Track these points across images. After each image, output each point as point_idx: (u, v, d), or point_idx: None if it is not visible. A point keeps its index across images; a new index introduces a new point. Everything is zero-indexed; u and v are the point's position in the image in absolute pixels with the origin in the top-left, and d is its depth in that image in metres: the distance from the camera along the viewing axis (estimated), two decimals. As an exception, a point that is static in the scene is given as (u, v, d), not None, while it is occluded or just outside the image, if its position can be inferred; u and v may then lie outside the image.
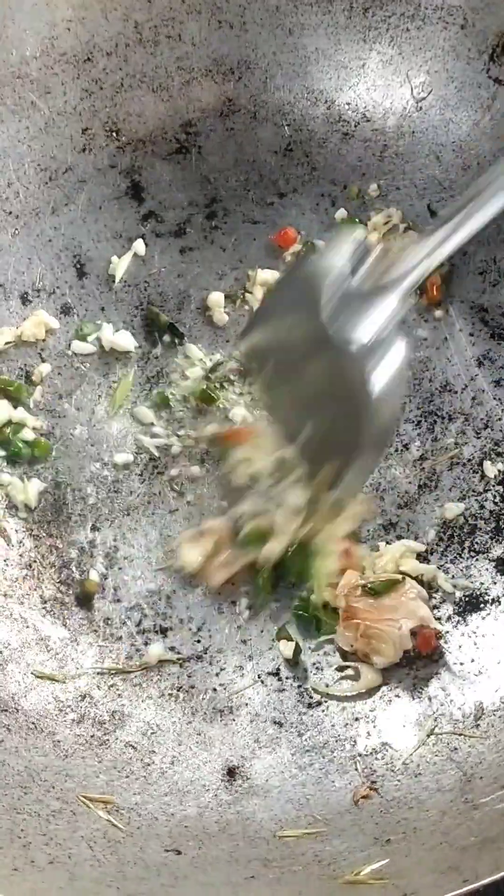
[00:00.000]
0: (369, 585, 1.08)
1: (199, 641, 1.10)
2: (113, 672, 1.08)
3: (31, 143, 1.22)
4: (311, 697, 1.07)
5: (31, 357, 1.20)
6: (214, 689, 1.08)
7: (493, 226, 1.21)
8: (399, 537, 1.12)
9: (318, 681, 1.08)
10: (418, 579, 1.10)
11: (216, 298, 1.21)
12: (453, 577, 1.11)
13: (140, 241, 1.23)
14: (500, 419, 1.17)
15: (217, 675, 1.08)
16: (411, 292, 1.05)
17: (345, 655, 1.08)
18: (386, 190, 1.25)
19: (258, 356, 1.11)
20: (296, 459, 1.09)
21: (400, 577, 1.09)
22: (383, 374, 1.02)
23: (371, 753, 1.04)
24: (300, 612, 1.10)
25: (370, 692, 1.06)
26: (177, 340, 1.20)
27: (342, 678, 1.07)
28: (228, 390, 1.18)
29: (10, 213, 1.22)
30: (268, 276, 1.22)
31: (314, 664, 1.09)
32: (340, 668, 1.08)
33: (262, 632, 1.10)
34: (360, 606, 1.07)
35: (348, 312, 1.03)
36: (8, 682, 1.07)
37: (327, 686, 1.07)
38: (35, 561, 1.13)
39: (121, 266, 1.21)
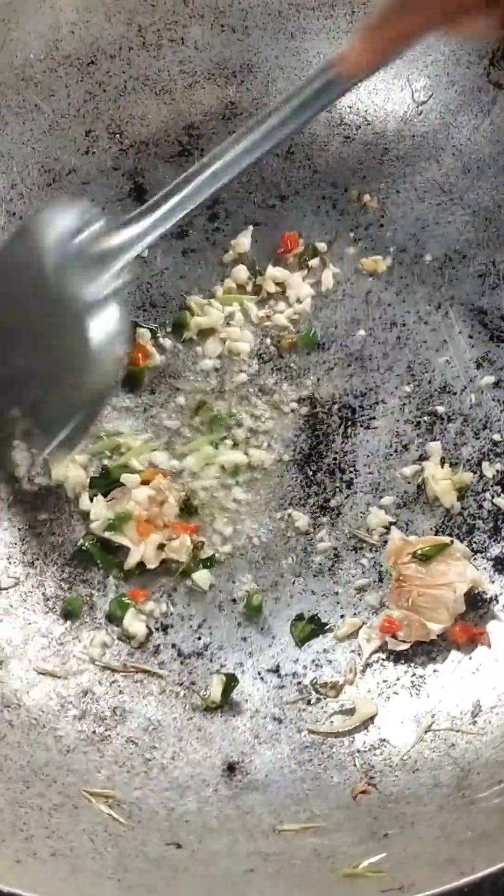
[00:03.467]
0: (419, 552, 1.09)
1: (199, 638, 1.11)
2: (114, 669, 1.09)
3: (35, 145, 1.23)
4: (310, 694, 1.08)
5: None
6: (215, 686, 1.09)
7: (492, 228, 1.22)
8: (399, 537, 1.13)
9: (317, 679, 1.08)
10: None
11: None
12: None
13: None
14: (498, 420, 1.17)
15: (217, 671, 1.09)
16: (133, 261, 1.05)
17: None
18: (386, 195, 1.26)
19: None
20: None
21: (448, 539, 1.10)
22: (103, 330, 1.03)
23: (369, 749, 1.04)
24: None
25: (365, 724, 1.06)
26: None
27: (336, 713, 1.07)
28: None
29: (14, 214, 1.23)
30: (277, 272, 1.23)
31: (313, 661, 1.09)
32: (335, 697, 1.08)
33: (261, 629, 1.11)
34: (410, 573, 1.08)
35: (75, 269, 1.04)
36: (10, 678, 1.08)
37: (324, 723, 1.07)
38: (38, 558, 1.14)
39: None
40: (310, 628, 1.10)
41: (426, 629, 1.08)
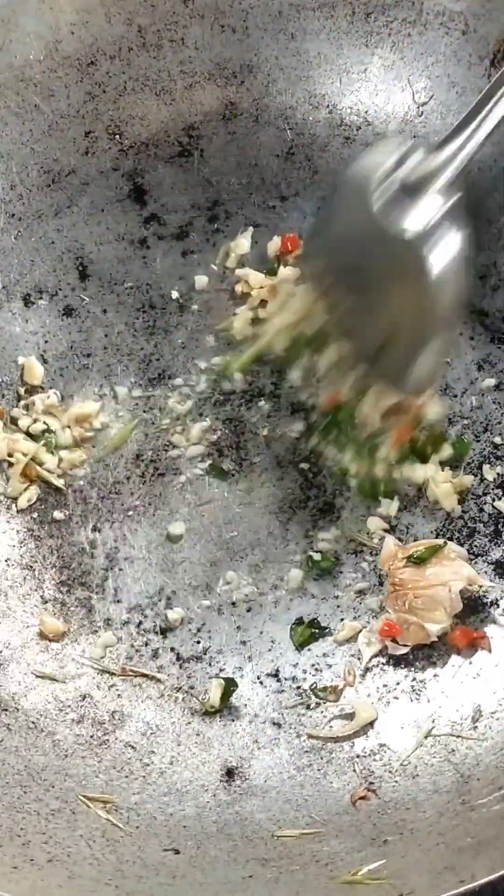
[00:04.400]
0: (413, 555, 1.09)
1: (198, 642, 1.10)
2: (113, 672, 1.09)
3: (35, 146, 1.23)
4: (309, 699, 1.08)
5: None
6: (214, 690, 1.08)
7: (493, 230, 1.22)
8: (399, 539, 1.13)
9: (317, 683, 1.08)
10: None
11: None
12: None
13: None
14: (499, 423, 1.17)
15: (216, 675, 1.09)
16: (456, 179, 1.06)
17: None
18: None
19: (319, 264, 1.13)
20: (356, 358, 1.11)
21: (441, 541, 1.10)
22: (441, 259, 1.04)
23: (369, 755, 1.04)
24: (319, 562, 1.12)
25: (364, 729, 1.06)
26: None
27: (336, 718, 1.07)
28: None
29: (13, 215, 1.22)
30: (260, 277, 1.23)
31: (313, 665, 1.09)
32: (334, 703, 1.08)
33: (261, 633, 1.10)
34: (405, 577, 1.08)
35: (398, 203, 1.05)
36: (8, 681, 1.07)
37: (323, 727, 1.07)
38: (36, 561, 1.14)
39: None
40: (309, 632, 1.10)
41: (425, 631, 1.07)
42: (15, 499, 1.15)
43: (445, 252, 1.05)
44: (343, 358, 1.12)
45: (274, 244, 1.24)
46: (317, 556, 1.12)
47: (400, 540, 1.13)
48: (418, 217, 1.05)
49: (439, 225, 1.05)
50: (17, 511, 1.15)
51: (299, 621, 1.10)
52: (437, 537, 1.12)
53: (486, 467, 1.15)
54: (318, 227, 1.17)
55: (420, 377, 1.09)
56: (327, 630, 1.10)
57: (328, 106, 1.26)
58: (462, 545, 1.12)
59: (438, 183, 1.05)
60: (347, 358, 1.12)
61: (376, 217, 1.05)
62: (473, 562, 1.11)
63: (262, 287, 1.22)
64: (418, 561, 1.09)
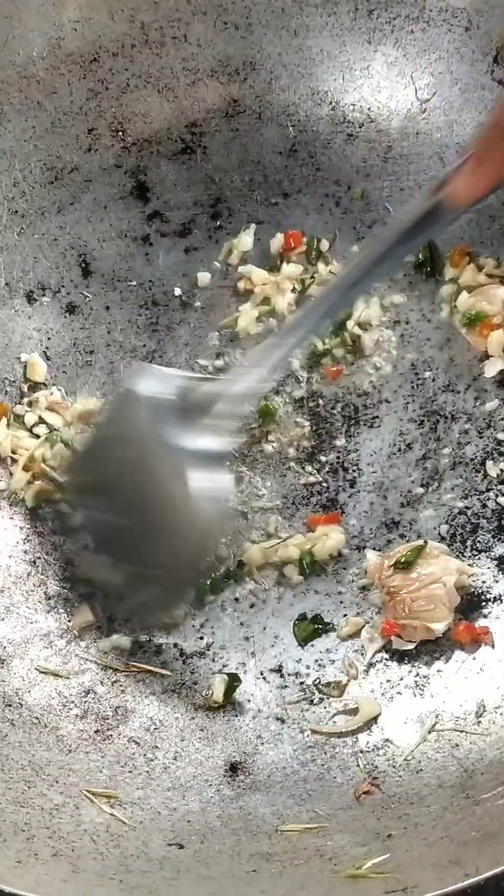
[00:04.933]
0: (399, 561, 1.09)
1: (201, 638, 1.10)
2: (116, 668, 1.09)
3: (37, 143, 1.23)
4: (313, 694, 1.07)
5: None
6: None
7: (496, 226, 1.22)
8: (402, 536, 1.13)
9: (320, 679, 1.08)
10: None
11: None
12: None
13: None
14: (502, 419, 1.17)
15: (220, 671, 1.09)
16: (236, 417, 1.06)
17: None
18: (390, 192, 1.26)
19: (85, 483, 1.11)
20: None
21: (421, 541, 1.10)
22: (203, 488, 1.03)
23: (373, 750, 1.04)
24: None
25: (368, 724, 1.06)
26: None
27: (340, 713, 1.07)
28: None
29: (16, 212, 1.22)
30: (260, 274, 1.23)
31: (316, 661, 1.09)
32: (338, 700, 1.08)
33: (264, 629, 1.10)
34: (397, 584, 1.08)
35: (175, 420, 1.04)
36: (12, 677, 1.07)
37: (326, 723, 1.06)
38: (39, 557, 1.14)
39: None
40: (312, 628, 1.10)
41: (430, 630, 1.07)
42: (22, 497, 1.15)
43: (209, 481, 1.04)
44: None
45: (277, 241, 1.24)
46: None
47: (402, 536, 1.13)
48: (191, 439, 1.04)
49: (208, 454, 1.04)
50: (24, 508, 1.15)
51: (302, 617, 1.10)
52: (440, 533, 1.12)
53: (489, 463, 1.15)
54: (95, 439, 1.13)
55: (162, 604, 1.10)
56: (330, 626, 1.10)
57: (331, 103, 1.27)
58: (465, 541, 1.12)
59: (217, 412, 1.04)
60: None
61: (151, 435, 1.04)
62: (477, 557, 1.11)
63: (265, 284, 1.22)
64: (405, 565, 1.09)
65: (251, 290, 1.23)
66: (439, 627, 1.07)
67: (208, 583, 1.11)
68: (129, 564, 1.07)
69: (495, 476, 1.15)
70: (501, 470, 1.15)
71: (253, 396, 1.08)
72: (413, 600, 1.08)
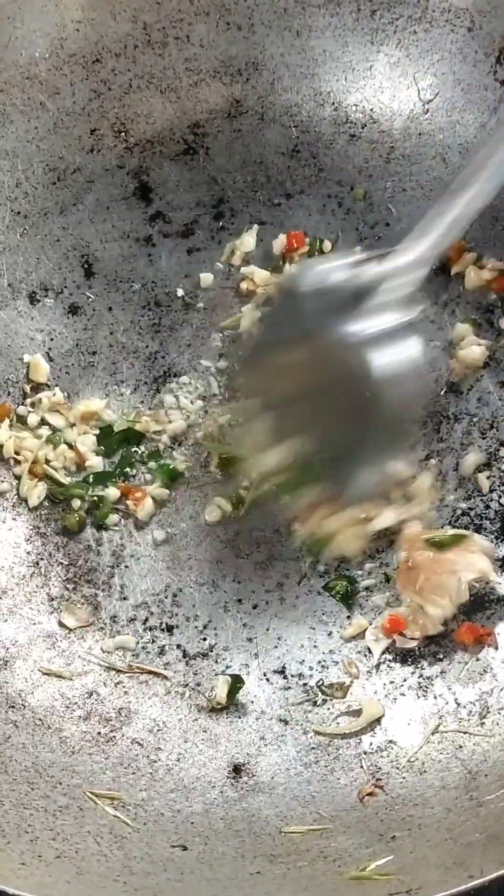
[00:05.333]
0: (435, 539, 1.09)
1: (205, 639, 1.10)
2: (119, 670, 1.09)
3: (40, 144, 1.23)
4: (316, 696, 1.08)
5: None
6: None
7: (499, 226, 1.22)
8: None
9: (323, 680, 1.08)
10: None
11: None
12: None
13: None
14: (505, 420, 1.17)
15: (223, 672, 1.09)
16: (412, 284, 1.02)
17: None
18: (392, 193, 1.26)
19: (256, 368, 1.10)
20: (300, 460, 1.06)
21: (467, 532, 1.10)
22: (390, 367, 1.00)
23: (376, 751, 1.04)
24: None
25: (372, 725, 1.06)
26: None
27: (343, 714, 1.07)
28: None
29: (19, 212, 1.22)
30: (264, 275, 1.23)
31: (319, 662, 1.09)
32: (341, 703, 1.08)
33: (267, 630, 1.10)
34: (421, 560, 1.08)
35: (345, 308, 1.01)
36: (15, 678, 1.07)
37: (330, 724, 1.06)
38: (42, 559, 1.14)
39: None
40: (345, 585, 1.10)
41: (427, 616, 1.07)
42: (25, 498, 1.15)
43: (396, 360, 1.00)
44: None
45: (279, 242, 1.24)
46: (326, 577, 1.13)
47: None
48: (367, 322, 1.00)
49: (391, 331, 1.00)
50: (29, 509, 1.15)
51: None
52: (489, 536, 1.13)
53: (493, 463, 1.15)
54: (262, 338, 1.12)
55: (361, 489, 1.06)
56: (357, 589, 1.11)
57: (333, 103, 1.26)
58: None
59: (386, 289, 1.01)
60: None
61: (321, 322, 1.01)
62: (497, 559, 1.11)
63: (267, 285, 1.22)
64: (439, 545, 1.09)
65: (254, 290, 1.23)
66: (436, 613, 1.07)
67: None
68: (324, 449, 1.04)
69: (498, 477, 1.15)
70: (493, 481, 1.15)
71: (424, 264, 1.02)
72: (426, 579, 1.07)
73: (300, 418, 1.05)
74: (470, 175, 1.02)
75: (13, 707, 1.05)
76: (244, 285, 1.23)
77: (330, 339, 1.01)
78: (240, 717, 1.07)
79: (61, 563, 1.13)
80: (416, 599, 1.07)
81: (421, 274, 1.01)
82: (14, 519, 1.15)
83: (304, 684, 1.08)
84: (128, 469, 1.16)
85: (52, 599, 1.12)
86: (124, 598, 1.12)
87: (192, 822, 1.00)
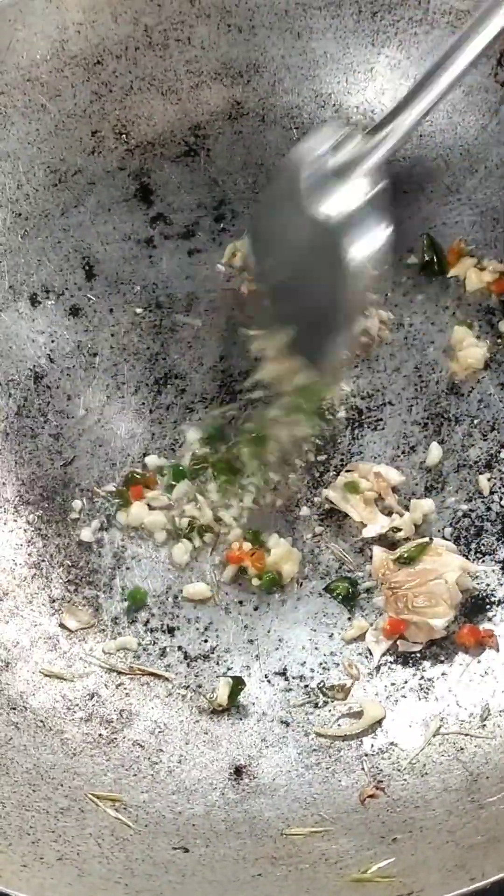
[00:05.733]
0: (402, 556, 1.09)
1: (206, 641, 1.10)
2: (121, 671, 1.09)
3: (41, 146, 1.23)
4: (317, 697, 1.08)
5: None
6: (221, 689, 1.09)
7: (500, 228, 1.22)
8: (406, 539, 1.13)
9: (324, 682, 1.08)
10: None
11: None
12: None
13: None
14: (507, 421, 1.17)
15: (224, 674, 1.09)
16: (382, 165, 1.07)
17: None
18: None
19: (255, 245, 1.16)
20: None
21: (427, 538, 1.11)
22: (358, 248, 1.05)
23: (377, 753, 1.04)
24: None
25: (373, 727, 1.06)
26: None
27: (344, 716, 1.07)
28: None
29: (20, 214, 1.22)
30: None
31: (321, 664, 1.09)
32: (342, 703, 1.08)
33: (268, 632, 1.10)
34: (399, 579, 1.08)
35: (326, 187, 1.06)
36: (16, 680, 1.07)
37: (331, 726, 1.07)
38: (43, 560, 1.14)
39: None
40: (346, 587, 1.11)
41: (432, 628, 1.07)
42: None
43: (364, 241, 1.06)
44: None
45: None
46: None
47: (408, 540, 1.13)
48: (341, 202, 1.06)
49: (362, 212, 1.06)
50: (29, 510, 1.15)
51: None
52: (444, 538, 1.13)
53: (493, 465, 1.15)
54: (256, 214, 1.19)
55: (332, 359, 1.13)
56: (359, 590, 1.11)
57: (334, 105, 1.26)
58: (469, 544, 1.12)
59: (365, 166, 1.07)
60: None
61: (302, 201, 1.07)
62: (481, 560, 1.11)
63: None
64: (408, 561, 1.09)
65: (254, 290, 1.23)
66: (440, 623, 1.07)
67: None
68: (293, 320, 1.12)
69: (499, 479, 1.15)
70: (494, 483, 1.15)
71: (405, 136, 1.08)
72: (414, 596, 1.08)
73: (289, 298, 1.12)
74: (442, 59, 1.07)
75: (14, 709, 1.06)
76: (245, 287, 1.23)
77: (311, 219, 1.07)
78: (241, 719, 1.07)
79: (62, 565, 1.13)
80: (413, 618, 1.08)
81: (390, 144, 1.08)
82: (15, 520, 1.15)
83: (306, 686, 1.08)
84: None
85: (54, 601, 1.12)
86: (125, 600, 1.12)
87: (194, 824, 1.00)
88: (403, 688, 1.07)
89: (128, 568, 1.13)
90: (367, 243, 1.06)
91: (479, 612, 1.10)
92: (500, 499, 1.14)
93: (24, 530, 1.15)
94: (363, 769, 1.03)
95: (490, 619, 1.09)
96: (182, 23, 1.25)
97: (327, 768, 1.04)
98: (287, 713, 1.07)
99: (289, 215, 1.08)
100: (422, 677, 1.07)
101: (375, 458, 1.16)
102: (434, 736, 1.04)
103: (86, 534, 1.14)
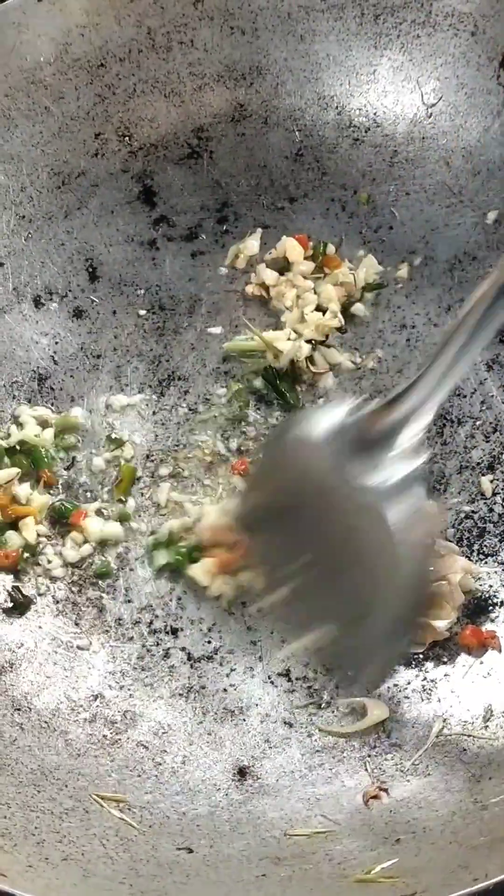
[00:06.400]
0: None
1: (209, 642, 1.11)
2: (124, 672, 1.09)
3: (45, 148, 1.23)
4: (320, 698, 1.08)
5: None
6: (225, 690, 1.08)
7: (502, 230, 1.22)
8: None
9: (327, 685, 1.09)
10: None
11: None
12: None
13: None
14: (509, 423, 1.17)
15: (227, 675, 1.09)
16: (420, 432, 0.99)
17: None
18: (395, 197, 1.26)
19: (256, 517, 1.07)
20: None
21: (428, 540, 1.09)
22: (406, 521, 0.97)
23: (381, 754, 1.04)
24: None
25: (376, 728, 1.06)
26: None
27: (347, 715, 1.07)
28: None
29: (24, 217, 1.23)
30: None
31: (324, 665, 1.09)
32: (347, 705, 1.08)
33: (271, 633, 1.11)
34: None
35: (355, 456, 0.99)
36: (21, 681, 1.08)
37: (334, 726, 1.07)
38: (48, 561, 1.14)
39: None
40: None
41: (434, 629, 1.08)
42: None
43: (411, 513, 0.98)
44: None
45: (283, 245, 1.24)
46: None
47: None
48: (380, 475, 0.98)
49: (405, 482, 0.98)
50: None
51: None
52: (446, 539, 1.13)
53: (496, 467, 1.16)
54: (260, 474, 1.11)
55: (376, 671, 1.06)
56: None
57: (337, 107, 1.27)
58: (472, 545, 1.12)
59: (400, 442, 0.98)
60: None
61: (333, 472, 0.99)
62: (483, 562, 1.12)
63: (276, 285, 1.22)
64: None
65: (258, 294, 1.23)
66: (442, 625, 1.07)
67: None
68: (333, 616, 1.01)
69: (501, 480, 1.15)
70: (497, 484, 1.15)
71: (433, 406, 0.98)
72: None
73: (318, 576, 1.03)
74: (468, 319, 0.97)
75: (19, 710, 1.06)
76: (249, 289, 1.23)
77: (343, 492, 0.99)
78: (244, 720, 1.07)
79: (66, 566, 1.14)
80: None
81: (425, 422, 0.99)
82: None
83: (309, 687, 1.08)
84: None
85: (58, 602, 1.12)
86: (129, 601, 1.12)
87: (198, 825, 1.00)
88: (406, 689, 1.07)
89: (131, 569, 1.14)
90: (413, 514, 0.98)
91: (481, 614, 1.10)
92: (503, 500, 1.14)
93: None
94: (366, 770, 1.03)
95: (493, 621, 1.09)
96: (185, 25, 1.25)
97: (331, 769, 1.04)
98: (290, 714, 1.07)
99: (309, 483, 1.00)
100: (425, 678, 1.08)
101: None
102: (437, 737, 1.04)
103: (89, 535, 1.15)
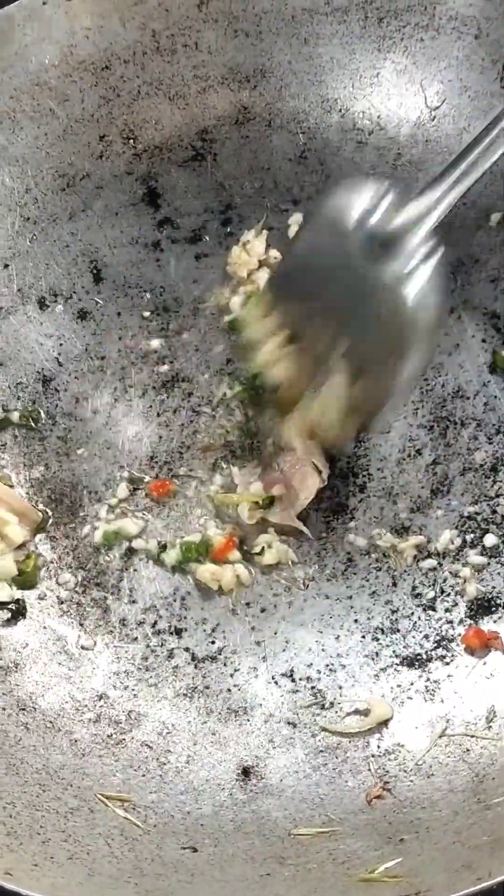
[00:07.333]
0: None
1: (213, 642, 1.11)
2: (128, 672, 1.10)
3: (49, 150, 1.24)
4: (324, 699, 1.08)
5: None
6: (229, 690, 1.09)
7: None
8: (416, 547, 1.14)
9: (331, 684, 1.09)
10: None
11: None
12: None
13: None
14: (512, 424, 1.18)
15: (231, 675, 1.09)
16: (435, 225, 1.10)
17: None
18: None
19: (287, 287, 1.15)
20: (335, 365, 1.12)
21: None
22: (421, 304, 1.08)
23: (384, 754, 1.05)
24: None
25: (379, 728, 1.06)
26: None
27: (351, 715, 1.07)
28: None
29: (28, 218, 1.23)
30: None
31: (327, 665, 1.10)
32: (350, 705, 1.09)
33: (275, 633, 1.11)
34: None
35: (379, 248, 1.09)
36: (26, 681, 1.08)
37: (338, 725, 1.07)
38: (52, 562, 1.14)
39: None
40: None
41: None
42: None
43: (425, 297, 1.08)
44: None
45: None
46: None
47: (416, 547, 1.14)
48: (400, 263, 1.08)
49: (420, 269, 1.09)
50: (34, 512, 1.15)
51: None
52: (450, 538, 1.13)
53: (500, 468, 1.16)
54: (291, 263, 1.18)
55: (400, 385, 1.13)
56: None
57: (341, 110, 1.27)
58: (475, 547, 1.13)
59: (420, 232, 1.09)
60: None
61: (357, 260, 1.08)
62: (487, 563, 1.12)
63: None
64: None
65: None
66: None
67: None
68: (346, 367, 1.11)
69: (494, 492, 1.15)
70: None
71: (441, 207, 1.10)
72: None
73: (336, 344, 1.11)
74: (486, 133, 1.11)
75: (24, 710, 1.06)
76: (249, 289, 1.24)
77: (371, 275, 1.09)
78: (248, 720, 1.07)
79: (70, 567, 1.14)
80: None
81: (437, 215, 1.10)
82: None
83: (312, 687, 1.09)
84: None
85: (62, 602, 1.12)
86: (133, 602, 1.13)
87: (202, 824, 1.01)
88: (409, 689, 1.08)
89: (135, 570, 1.14)
90: (428, 298, 1.08)
91: (484, 614, 1.10)
92: (506, 501, 1.15)
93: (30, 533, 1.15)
94: (370, 770, 1.04)
95: (496, 622, 1.10)
96: (190, 28, 1.25)
97: (334, 769, 1.04)
98: (294, 714, 1.08)
99: (337, 271, 1.10)
100: (428, 679, 1.08)
101: (381, 460, 1.17)
102: (440, 737, 1.05)
103: (94, 536, 1.15)
